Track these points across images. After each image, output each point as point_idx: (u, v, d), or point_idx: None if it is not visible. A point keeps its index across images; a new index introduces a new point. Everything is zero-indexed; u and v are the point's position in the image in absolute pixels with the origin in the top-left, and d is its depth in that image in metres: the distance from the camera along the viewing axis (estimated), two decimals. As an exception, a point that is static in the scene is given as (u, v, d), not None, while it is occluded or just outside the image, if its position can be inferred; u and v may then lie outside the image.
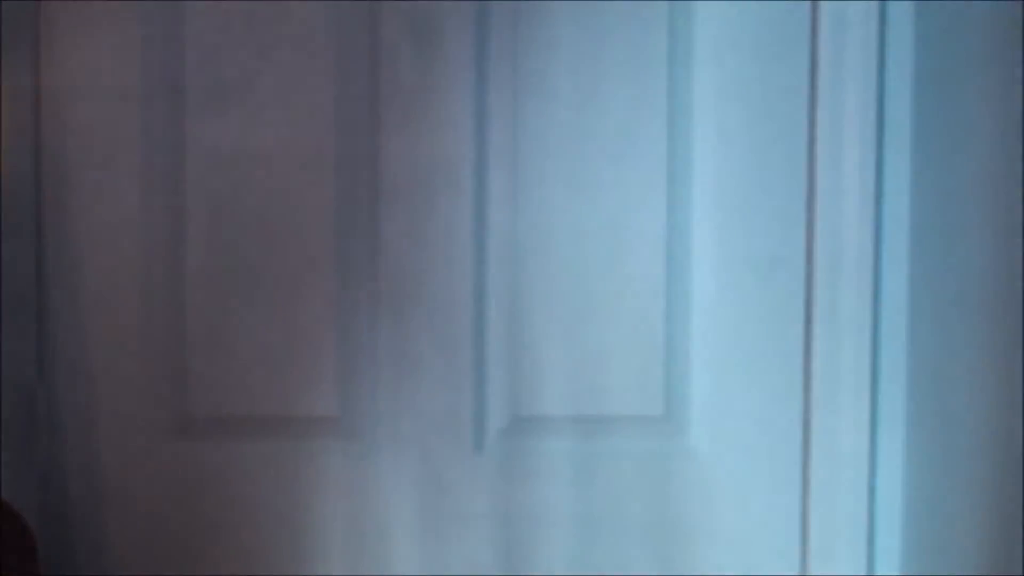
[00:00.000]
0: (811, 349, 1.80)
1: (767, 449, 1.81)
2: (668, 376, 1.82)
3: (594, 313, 1.80)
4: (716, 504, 1.83)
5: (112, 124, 1.76)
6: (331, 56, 1.77)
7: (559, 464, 1.82)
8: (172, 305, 1.79)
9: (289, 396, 1.80)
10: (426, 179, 1.78)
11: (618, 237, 1.80)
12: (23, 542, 1.51)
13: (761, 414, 1.81)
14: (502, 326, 1.80)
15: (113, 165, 1.77)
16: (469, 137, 1.78)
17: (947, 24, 1.61)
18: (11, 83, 1.73)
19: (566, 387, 1.81)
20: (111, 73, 1.76)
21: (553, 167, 1.79)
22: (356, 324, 1.80)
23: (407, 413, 1.80)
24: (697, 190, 1.79)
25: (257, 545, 1.80)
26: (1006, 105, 1.40)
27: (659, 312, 1.80)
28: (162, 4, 1.76)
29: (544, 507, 1.82)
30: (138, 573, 1.79)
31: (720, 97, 1.78)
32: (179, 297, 1.79)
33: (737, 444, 1.82)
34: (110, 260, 1.77)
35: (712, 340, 1.80)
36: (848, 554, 1.81)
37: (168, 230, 1.78)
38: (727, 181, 1.79)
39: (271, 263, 1.79)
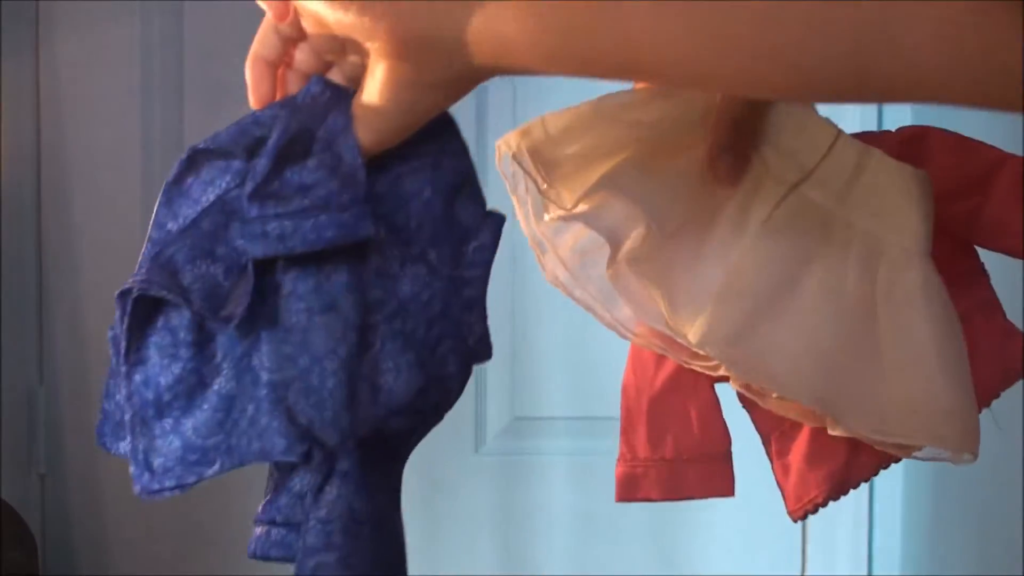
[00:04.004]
0: (811, 349, 1.80)
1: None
2: (668, 376, 1.82)
3: (594, 313, 1.80)
4: (715, 504, 1.82)
5: (112, 124, 1.76)
6: (331, 56, 1.77)
7: (558, 464, 1.82)
8: (172, 305, 1.79)
9: (289, 396, 1.80)
10: (426, 179, 1.78)
11: (618, 237, 1.80)
12: (23, 542, 1.51)
13: (761, 414, 1.81)
14: (502, 326, 1.80)
15: (113, 165, 1.77)
16: (469, 137, 1.78)
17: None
18: (11, 83, 1.74)
19: (565, 387, 1.81)
20: (111, 73, 1.76)
21: (553, 167, 1.79)
22: (356, 324, 1.79)
23: (407, 413, 1.80)
24: (697, 190, 1.79)
25: (257, 545, 1.80)
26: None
27: (659, 312, 1.81)
28: (162, 4, 1.76)
29: (543, 507, 1.82)
30: (138, 573, 1.79)
31: (719, 97, 1.78)
32: (179, 297, 1.79)
33: (736, 443, 1.81)
34: (110, 261, 1.78)
35: (712, 340, 1.80)
36: (848, 554, 1.81)
37: (168, 230, 1.78)
38: (727, 181, 1.79)
39: (271, 263, 1.79)
